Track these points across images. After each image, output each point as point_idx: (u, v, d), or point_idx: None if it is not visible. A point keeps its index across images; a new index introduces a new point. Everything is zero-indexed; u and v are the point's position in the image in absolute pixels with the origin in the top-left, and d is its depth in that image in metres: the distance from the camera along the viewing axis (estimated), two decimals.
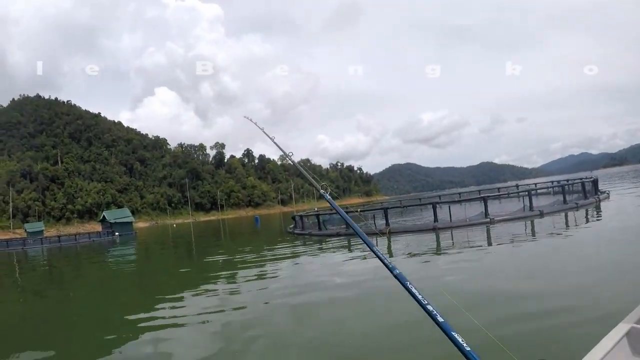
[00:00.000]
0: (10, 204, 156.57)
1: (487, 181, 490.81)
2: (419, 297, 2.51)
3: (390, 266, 2.92)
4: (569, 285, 10.40)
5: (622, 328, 3.88)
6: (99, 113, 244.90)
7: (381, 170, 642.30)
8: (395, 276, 2.83)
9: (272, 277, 17.30)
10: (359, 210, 39.55)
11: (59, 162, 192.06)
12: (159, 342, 9.48)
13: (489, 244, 19.52)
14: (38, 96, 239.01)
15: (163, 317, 11.80)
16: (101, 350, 9.36)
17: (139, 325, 11.32)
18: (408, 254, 19.25)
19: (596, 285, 10.06)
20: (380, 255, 3.12)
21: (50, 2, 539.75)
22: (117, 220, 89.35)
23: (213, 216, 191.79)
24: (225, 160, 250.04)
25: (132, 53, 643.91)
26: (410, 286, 2.58)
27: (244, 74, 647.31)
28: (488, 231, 23.63)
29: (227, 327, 10.14)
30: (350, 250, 23.43)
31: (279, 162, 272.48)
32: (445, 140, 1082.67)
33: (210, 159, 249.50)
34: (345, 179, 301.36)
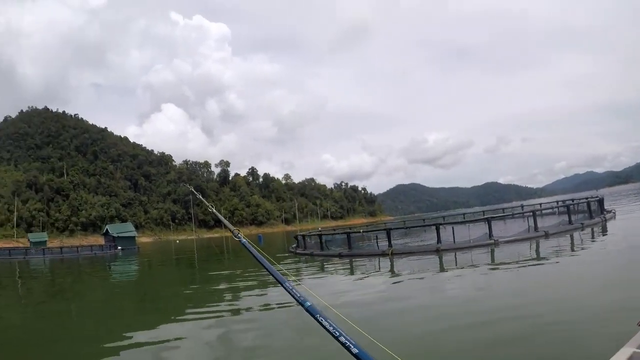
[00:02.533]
0: (15, 213, 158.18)
1: (492, 201, 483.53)
2: (330, 329, 2.54)
3: (301, 299, 3.01)
4: (568, 308, 10.24)
5: (624, 353, 3.70)
6: (106, 128, 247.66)
7: (386, 190, 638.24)
8: (307, 309, 2.91)
9: (272, 295, 17.05)
10: (361, 230, 39.94)
11: (65, 175, 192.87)
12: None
13: (492, 266, 19.23)
14: (46, 109, 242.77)
15: (163, 334, 11.88)
16: None
17: (138, 341, 11.47)
18: (410, 275, 19.12)
19: (599, 308, 9.87)
20: (289, 289, 3.22)
21: (61, 17, 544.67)
22: (120, 234, 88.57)
23: (216, 233, 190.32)
24: (230, 178, 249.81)
25: (140, 69, 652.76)
26: (321, 318, 2.64)
27: (250, 93, 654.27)
28: (492, 253, 23.32)
29: (227, 345, 10.25)
30: (352, 272, 23.17)
31: (284, 182, 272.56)
32: (450, 160, 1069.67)
33: (215, 177, 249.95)
34: (349, 199, 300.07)
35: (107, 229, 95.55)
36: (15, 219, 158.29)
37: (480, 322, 9.83)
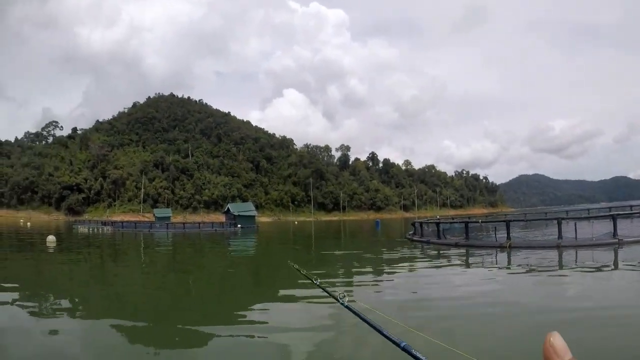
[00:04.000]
0: (142, 190, 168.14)
1: (620, 197, 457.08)
2: None
3: (398, 341, 2.63)
4: None
5: None
6: (229, 112, 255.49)
7: (508, 180, 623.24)
8: (402, 348, 2.53)
9: (386, 281, 17.59)
10: (480, 221, 41.01)
11: (190, 156, 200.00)
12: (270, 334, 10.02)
13: (615, 267, 18.67)
14: (172, 95, 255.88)
15: (274, 306, 12.99)
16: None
17: (250, 313, 12.27)
18: (526, 270, 18.81)
19: None
20: (405, 346, 2.61)
21: (183, 11, 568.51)
22: (241, 213, 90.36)
23: (334, 217, 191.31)
24: (350, 163, 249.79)
25: (260, 57, 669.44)
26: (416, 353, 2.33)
27: (370, 78, 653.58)
28: (615, 253, 22.66)
29: (336, 327, 10.41)
30: (467, 264, 23.12)
31: (404, 167, 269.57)
32: (577, 150, 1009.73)
33: (335, 161, 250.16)
34: (470, 187, 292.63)
35: (228, 208, 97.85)
36: (142, 195, 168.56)
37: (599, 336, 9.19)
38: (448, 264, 23.03)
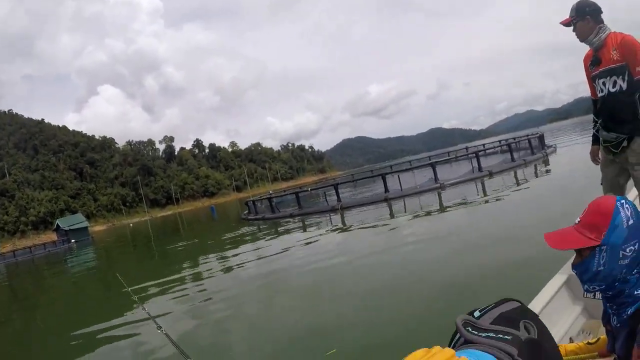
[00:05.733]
0: None
1: (438, 146, 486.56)
2: None
3: None
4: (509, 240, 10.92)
5: (561, 276, 4.00)
6: (43, 119, 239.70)
7: (333, 146, 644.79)
8: None
9: (230, 265, 17.49)
10: (309, 189, 41.89)
11: (7, 175, 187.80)
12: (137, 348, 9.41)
13: (440, 209, 20.00)
14: None
15: (131, 318, 11.71)
16: None
17: (106, 330, 11.22)
18: (361, 227, 19.99)
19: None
20: None
21: None
22: (72, 227, 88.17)
23: (170, 211, 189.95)
24: (176, 153, 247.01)
25: (72, 54, 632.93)
26: None
27: (188, 64, 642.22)
28: (439, 196, 24.16)
29: (201, 328, 9.99)
30: (304, 230, 24.18)
31: (230, 149, 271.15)
32: (394, 110, 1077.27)
33: (161, 154, 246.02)
34: (297, 159, 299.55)
35: (57, 224, 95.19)
36: None
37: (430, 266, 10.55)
38: (286, 234, 24.17)
